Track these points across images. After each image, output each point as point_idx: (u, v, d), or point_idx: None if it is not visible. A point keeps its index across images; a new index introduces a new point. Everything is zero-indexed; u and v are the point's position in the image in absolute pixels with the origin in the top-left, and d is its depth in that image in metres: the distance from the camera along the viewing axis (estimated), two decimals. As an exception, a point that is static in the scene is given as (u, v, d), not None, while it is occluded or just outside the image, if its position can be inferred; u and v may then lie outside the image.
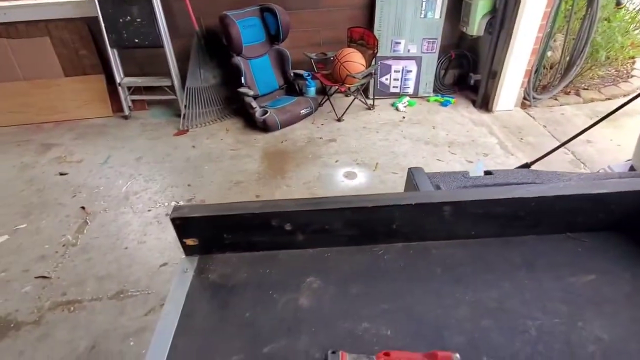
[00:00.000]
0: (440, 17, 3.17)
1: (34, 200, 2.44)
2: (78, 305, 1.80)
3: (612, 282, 0.51)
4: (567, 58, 3.34)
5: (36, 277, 1.93)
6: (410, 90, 3.43)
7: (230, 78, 3.08)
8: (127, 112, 3.22)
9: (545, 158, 2.80)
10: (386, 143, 2.85)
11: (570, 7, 3.08)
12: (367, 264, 0.55)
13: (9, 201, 2.42)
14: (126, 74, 3.19)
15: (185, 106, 3.09)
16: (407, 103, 3.34)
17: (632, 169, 1.12)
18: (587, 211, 0.55)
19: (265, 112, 2.89)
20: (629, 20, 3.50)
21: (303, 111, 3.06)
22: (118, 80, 3.10)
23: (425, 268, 0.54)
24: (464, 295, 0.50)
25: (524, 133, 3.01)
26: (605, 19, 3.31)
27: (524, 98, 3.38)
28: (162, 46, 2.95)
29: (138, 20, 2.87)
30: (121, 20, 2.86)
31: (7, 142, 3.03)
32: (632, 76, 3.91)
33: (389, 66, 3.33)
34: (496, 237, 0.58)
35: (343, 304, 0.50)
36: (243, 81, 2.94)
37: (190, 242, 0.58)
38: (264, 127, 2.91)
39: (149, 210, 2.31)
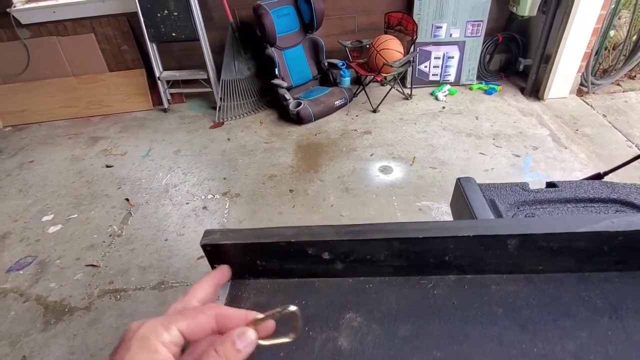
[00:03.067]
0: (487, -4, 2.94)
1: (83, 191, 2.57)
2: (124, 294, 1.89)
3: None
4: (634, 37, 3.00)
5: (86, 265, 2.05)
6: (452, 78, 3.23)
7: (264, 70, 3.05)
8: (166, 105, 3.30)
9: (609, 152, 2.54)
10: (424, 135, 2.71)
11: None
12: (415, 300, 0.49)
13: (63, 192, 2.56)
14: (165, 68, 3.25)
15: (220, 99, 3.11)
16: (447, 92, 3.15)
17: None
18: (620, 248, 0.45)
19: (299, 104, 2.84)
20: None
21: (337, 102, 2.97)
22: (157, 74, 3.17)
23: (483, 308, 0.47)
24: (532, 345, 0.43)
25: (580, 123, 2.75)
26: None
27: (581, 84, 3.09)
28: (197, 39, 2.96)
29: (175, 14, 2.89)
30: (159, 14, 2.90)
31: (60, 135, 3.21)
32: None
33: (429, 52, 3.15)
34: (571, 273, 0.49)
35: (388, 347, 0.44)
36: (277, 72, 2.90)
37: (222, 267, 0.54)
38: (298, 119, 2.87)
39: (187, 203, 2.36)
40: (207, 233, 0.52)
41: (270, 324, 0.33)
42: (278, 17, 2.85)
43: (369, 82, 3.13)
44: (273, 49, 2.90)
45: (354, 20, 3.18)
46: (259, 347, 0.33)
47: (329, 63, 3.13)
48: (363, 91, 3.11)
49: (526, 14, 2.82)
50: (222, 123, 3.08)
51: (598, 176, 0.77)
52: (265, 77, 3.08)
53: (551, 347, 0.42)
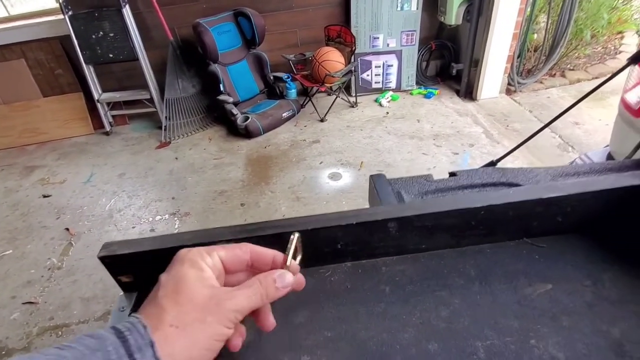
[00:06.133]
0: (417, 8, 3.13)
1: (18, 225, 2.40)
2: (66, 329, 1.78)
3: (571, 291, 0.47)
4: (551, 40, 3.31)
5: (23, 303, 1.91)
6: (393, 85, 3.39)
7: (210, 86, 3.05)
8: (108, 128, 3.18)
9: (534, 143, 2.77)
10: (370, 140, 2.81)
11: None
12: (313, 288, 0.52)
13: (-7, 228, 2.38)
14: (105, 90, 3.15)
15: (166, 118, 3.05)
16: (390, 98, 3.30)
17: (610, 156, 1.09)
18: (541, 216, 0.52)
19: (247, 118, 2.86)
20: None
21: (285, 114, 3.02)
22: (96, 96, 3.06)
23: (373, 288, 0.51)
24: (411, 316, 0.47)
25: (510, 120, 2.98)
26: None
27: (509, 84, 3.35)
28: (137, 59, 2.91)
29: (111, 35, 2.82)
30: (94, 36, 2.82)
31: (-11, 168, 2.99)
32: (620, 52, 3.81)
33: (369, 62, 3.29)
34: (451, 249, 0.54)
35: (284, 335, 0.47)
36: (222, 88, 2.90)
37: (125, 278, 0.54)
38: (247, 134, 2.88)
39: (133, 227, 2.27)
40: (106, 245, 0.53)
41: (296, 266, 0.40)
42: (219, 34, 2.87)
43: (315, 93, 3.21)
44: (217, 65, 2.90)
45: (295, 35, 3.26)
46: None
47: (274, 76, 3.18)
48: (310, 102, 3.18)
49: (453, 22, 3.04)
50: (169, 142, 3.02)
51: (492, 163, 0.85)
52: (211, 93, 3.07)
53: (427, 315, 0.46)
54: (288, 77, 3.13)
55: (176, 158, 2.85)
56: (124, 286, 0.56)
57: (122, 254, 0.51)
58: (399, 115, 3.11)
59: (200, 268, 0.35)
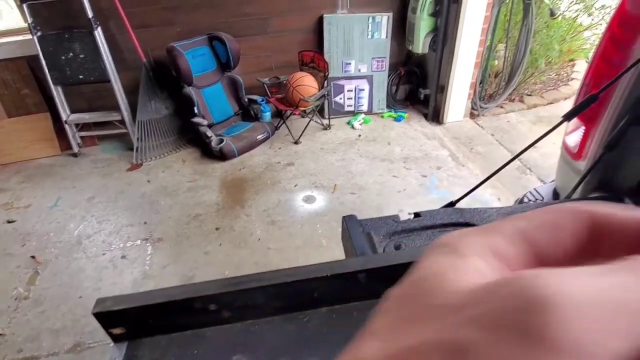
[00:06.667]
0: (386, 37, 3.31)
1: (-21, 254, 2.29)
2: (35, 362, 1.71)
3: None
4: (509, 68, 3.57)
5: (-10, 336, 1.82)
6: (365, 108, 3.53)
7: (183, 108, 3.05)
8: (75, 149, 3.10)
9: (494, 162, 2.93)
10: (343, 163, 2.90)
11: (508, 20, 3.31)
12: (293, 334, 0.57)
13: (-50, 258, 2.26)
14: (73, 110, 3.08)
15: (137, 139, 3.01)
16: (362, 120, 3.43)
17: (555, 191, 1.21)
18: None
19: (222, 141, 2.88)
20: (566, 28, 3.79)
21: (260, 136, 3.07)
22: (64, 117, 2.98)
23: (346, 332, 0.56)
24: None
25: (474, 143, 3.17)
26: (542, 29, 3.57)
27: (472, 108, 3.56)
28: (108, 80, 2.88)
29: (81, 56, 2.79)
30: (63, 57, 2.77)
31: (-57, 192, 2.83)
32: (572, 79, 4.16)
33: (342, 86, 3.42)
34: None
35: (267, 382, 0.51)
36: (196, 111, 2.91)
37: (117, 331, 0.57)
38: (221, 156, 2.90)
39: (103, 254, 2.22)
40: (99, 302, 0.56)
41: None
42: (193, 57, 2.90)
43: (289, 116, 3.28)
44: (191, 88, 2.92)
45: (270, 59, 3.34)
46: None
47: (249, 99, 3.23)
48: (284, 124, 3.25)
49: (420, 51, 3.22)
50: (141, 164, 2.98)
51: (451, 204, 0.94)
52: (184, 115, 3.07)
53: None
54: (263, 100, 3.19)
55: (148, 181, 2.82)
56: (114, 337, 0.59)
57: (116, 310, 0.54)
58: (371, 137, 3.23)
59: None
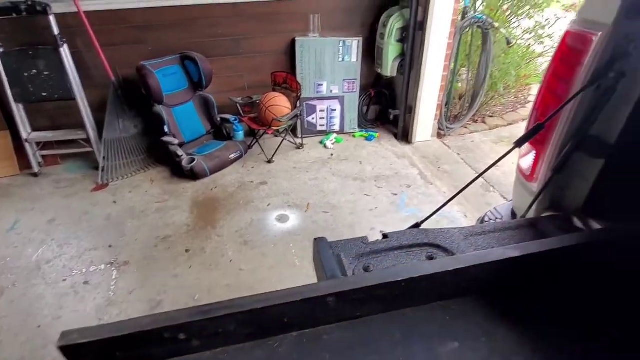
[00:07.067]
0: (357, 60, 3.43)
1: None
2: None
3: (472, 347, 0.58)
4: (472, 91, 3.77)
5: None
6: (337, 128, 3.61)
7: (153, 127, 3.00)
8: (36, 169, 2.96)
9: (460, 184, 3.06)
10: (316, 182, 2.94)
11: (469, 47, 3.53)
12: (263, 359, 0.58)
13: None
14: (36, 128, 2.95)
15: (104, 158, 2.92)
16: (334, 140, 3.50)
17: (513, 210, 1.29)
18: (450, 283, 0.63)
19: (193, 160, 2.84)
20: (521, 55, 4.07)
21: (232, 155, 3.06)
22: (24, 136, 2.85)
23: (316, 356, 0.58)
24: (349, 382, 0.54)
25: (441, 162, 3.30)
26: (500, 56, 3.82)
27: (439, 129, 3.72)
28: (73, 98, 2.80)
29: (46, 73, 2.70)
30: (26, 74, 2.68)
31: None
32: (529, 102, 4.48)
33: (315, 106, 3.49)
34: (381, 313, 0.64)
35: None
36: (167, 130, 2.87)
37: (81, 365, 0.56)
38: (192, 175, 2.85)
39: (64, 280, 2.11)
40: (64, 334, 0.54)
41: None
42: (164, 76, 2.88)
43: (262, 135, 3.30)
44: (161, 106, 2.89)
45: (243, 79, 3.37)
46: None
47: (221, 118, 3.22)
48: (257, 143, 3.26)
49: (388, 74, 3.36)
50: (107, 184, 2.88)
51: (417, 225, 0.98)
52: (154, 134, 3.02)
53: (362, 380, 0.54)
54: (235, 119, 3.20)
55: (114, 202, 2.72)
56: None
57: (82, 343, 0.53)
58: (343, 157, 3.30)
59: None
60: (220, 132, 3.27)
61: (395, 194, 2.81)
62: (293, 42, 3.28)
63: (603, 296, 0.67)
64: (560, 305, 0.64)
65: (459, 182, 3.01)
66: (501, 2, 3.67)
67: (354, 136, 3.62)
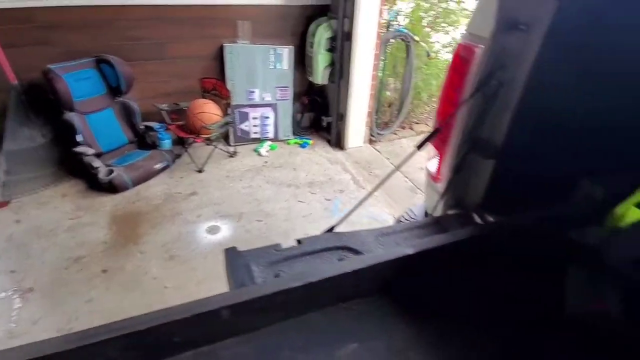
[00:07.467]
0: (289, 68, 3.44)
1: None
2: None
3: (370, 348, 0.60)
4: (399, 99, 3.99)
5: None
6: (271, 135, 3.58)
7: (65, 136, 2.72)
8: None
9: (391, 186, 3.19)
10: (250, 190, 2.88)
11: (394, 58, 3.74)
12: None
13: None
14: None
15: (5, 172, 2.57)
16: (268, 147, 3.46)
17: (426, 211, 1.37)
18: (351, 284, 0.65)
19: (111, 171, 2.62)
20: (440, 67, 4.40)
21: (158, 165, 2.88)
22: None
23: (211, 375, 0.54)
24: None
25: (373, 167, 3.42)
26: (422, 67, 4.09)
27: (370, 135, 3.87)
28: (-37, 105, 2.44)
29: None
30: None
31: None
32: (448, 110, 4.85)
33: (247, 113, 3.43)
34: (283, 321, 0.62)
35: None
36: (80, 139, 2.62)
37: None
38: (111, 188, 2.63)
39: (-51, 316, 1.80)
40: None
41: None
42: (76, 80, 2.63)
43: (191, 143, 3.16)
44: (73, 113, 2.63)
45: (169, 85, 3.21)
46: None
47: (145, 126, 3.02)
48: (186, 152, 3.11)
49: (320, 82, 3.43)
50: (7, 202, 2.54)
51: (331, 229, 1.00)
52: (66, 144, 2.73)
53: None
54: (161, 127, 3.02)
55: (18, 220, 2.41)
56: None
57: None
58: (277, 164, 3.28)
59: None
60: (144, 141, 3.06)
61: (329, 200, 2.85)
62: (222, 48, 3.20)
63: (493, 285, 0.73)
64: (453, 296, 0.68)
65: (388, 185, 3.13)
66: (422, 17, 3.95)
67: (288, 143, 3.62)
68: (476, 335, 0.62)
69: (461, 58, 1.00)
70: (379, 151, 3.75)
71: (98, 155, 2.72)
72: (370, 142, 3.87)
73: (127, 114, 2.98)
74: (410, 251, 0.66)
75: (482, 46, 0.90)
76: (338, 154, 3.54)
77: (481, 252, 0.75)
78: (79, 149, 2.60)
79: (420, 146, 0.97)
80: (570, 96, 0.86)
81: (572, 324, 0.62)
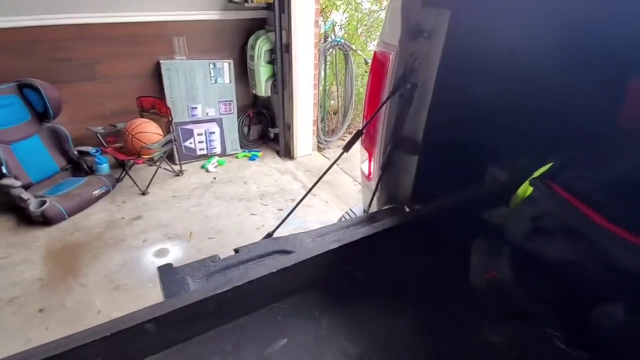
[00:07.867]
0: (230, 81, 3.43)
1: None
2: None
3: (300, 341, 0.62)
4: (343, 106, 4.11)
5: None
6: (218, 150, 3.53)
7: (-14, 169, 2.49)
8: None
9: (343, 191, 3.25)
10: (199, 208, 2.80)
11: (335, 67, 3.85)
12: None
13: None
14: None
15: None
16: (216, 163, 3.41)
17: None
18: (282, 282, 0.66)
19: (43, 202, 2.44)
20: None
21: (96, 192, 2.72)
22: None
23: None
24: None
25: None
26: (362, 74, 4.25)
27: (318, 142, 3.94)
28: None
29: None
30: None
31: None
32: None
33: (191, 130, 3.35)
34: (212, 330, 0.63)
35: None
36: (4, 170, 2.42)
37: None
38: (45, 221, 2.44)
39: None
40: None
41: None
42: (-4, 108, 2.44)
43: (132, 165, 3.03)
44: (-6, 144, 2.43)
45: (102, 106, 3.06)
46: None
47: (79, 151, 2.85)
48: (127, 175, 2.97)
49: (263, 94, 3.45)
50: None
51: (269, 235, 1.01)
52: (-11, 177, 2.50)
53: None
54: (97, 151, 2.87)
55: None
56: None
57: None
58: (227, 179, 3.23)
59: None
60: (79, 167, 2.88)
61: (281, 209, 2.86)
62: (158, 65, 3.12)
63: (415, 265, 0.79)
64: (379, 279, 0.72)
65: (338, 190, 3.22)
66: (357, 27, 4.12)
67: (237, 157, 3.59)
68: (400, 310, 0.66)
69: (378, 64, 1.08)
70: (327, 158, 3.83)
71: (27, 187, 2.52)
72: (319, 149, 3.94)
73: (57, 140, 2.80)
74: (335, 245, 0.70)
75: (392, 52, 0.98)
76: (288, 164, 3.57)
77: (405, 238, 0.80)
78: (5, 181, 2.40)
79: (346, 148, 1.02)
80: (473, 92, 0.95)
81: (475, 293, 0.68)
